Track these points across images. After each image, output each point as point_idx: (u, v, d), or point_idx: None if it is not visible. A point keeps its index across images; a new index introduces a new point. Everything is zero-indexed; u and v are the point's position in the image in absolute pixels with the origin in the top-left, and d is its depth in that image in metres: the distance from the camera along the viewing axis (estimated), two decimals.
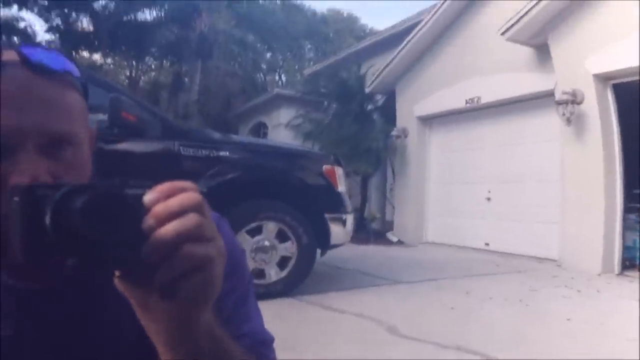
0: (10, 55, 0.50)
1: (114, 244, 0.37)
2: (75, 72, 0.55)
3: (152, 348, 0.45)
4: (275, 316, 3.15)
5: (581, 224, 5.26)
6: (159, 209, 0.39)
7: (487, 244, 6.77)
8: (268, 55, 18.39)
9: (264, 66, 18.60)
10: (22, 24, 13.56)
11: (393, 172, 8.54)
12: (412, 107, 8.01)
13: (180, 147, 3.27)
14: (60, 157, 0.50)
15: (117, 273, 0.40)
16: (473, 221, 7.08)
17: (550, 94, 5.63)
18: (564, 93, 5.23)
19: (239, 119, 14.01)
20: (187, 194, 0.40)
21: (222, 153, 3.45)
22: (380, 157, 8.22)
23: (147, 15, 14.08)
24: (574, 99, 5.18)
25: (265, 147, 4.37)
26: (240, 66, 16.18)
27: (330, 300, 3.65)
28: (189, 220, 0.39)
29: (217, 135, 3.85)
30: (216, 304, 0.44)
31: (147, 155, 3.21)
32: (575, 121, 5.27)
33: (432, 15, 7.36)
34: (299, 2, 18.06)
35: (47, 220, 0.36)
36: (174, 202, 0.39)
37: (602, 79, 5.17)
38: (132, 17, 13.96)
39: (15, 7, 12.67)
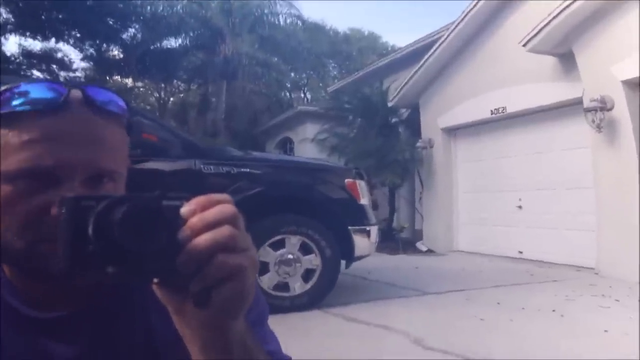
0: (75, 94, 0.53)
1: (151, 253, 0.38)
2: (125, 110, 0.58)
3: (186, 354, 0.46)
4: (300, 329, 3.14)
5: (619, 231, 5.07)
6: (195, 220, 0.40)
7: (520, 252, 6.58)
8: (292, 74, 18.65)
9: (288, 85, 18.87)
10: (59, 54, 14.44)
11: (421, 182, 8.46)
12: (436, 119, 7.94)
13: (202, 165, 3.34)
14: (100, 191, 0.52)
15: (155, 280, 0.42)
16: (505, 229, 6.90)
17: (577, 102, 5.52)
18: (592, 100, 5.16)
19: (265, 135, 14.21)
20: (222, 206, 0.41)
21: (243, 169, 3.50)
22: (407, 168, 8.16)
23: (173, 42, 14.67)
24: (604, 106, 5.11)
25: (286, 163, 4.41)
26: (265, 85, 16.46)
27: (355, 312, 3.60)
28: (223, 231, 0.40)
29: (238, 152, 3.91)
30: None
31: (170, 173, 3.28)
32: (606, 128, 5.17)
33: (452, 31, 7.31)
34: (320, 22, 18.25)
35: (90, 230, 0.38)
36: (210, 214, 0.40)
37: (632, 85, 5.04)
38: (159, 45, 14.60)
39: (52, 39, 13.49)
